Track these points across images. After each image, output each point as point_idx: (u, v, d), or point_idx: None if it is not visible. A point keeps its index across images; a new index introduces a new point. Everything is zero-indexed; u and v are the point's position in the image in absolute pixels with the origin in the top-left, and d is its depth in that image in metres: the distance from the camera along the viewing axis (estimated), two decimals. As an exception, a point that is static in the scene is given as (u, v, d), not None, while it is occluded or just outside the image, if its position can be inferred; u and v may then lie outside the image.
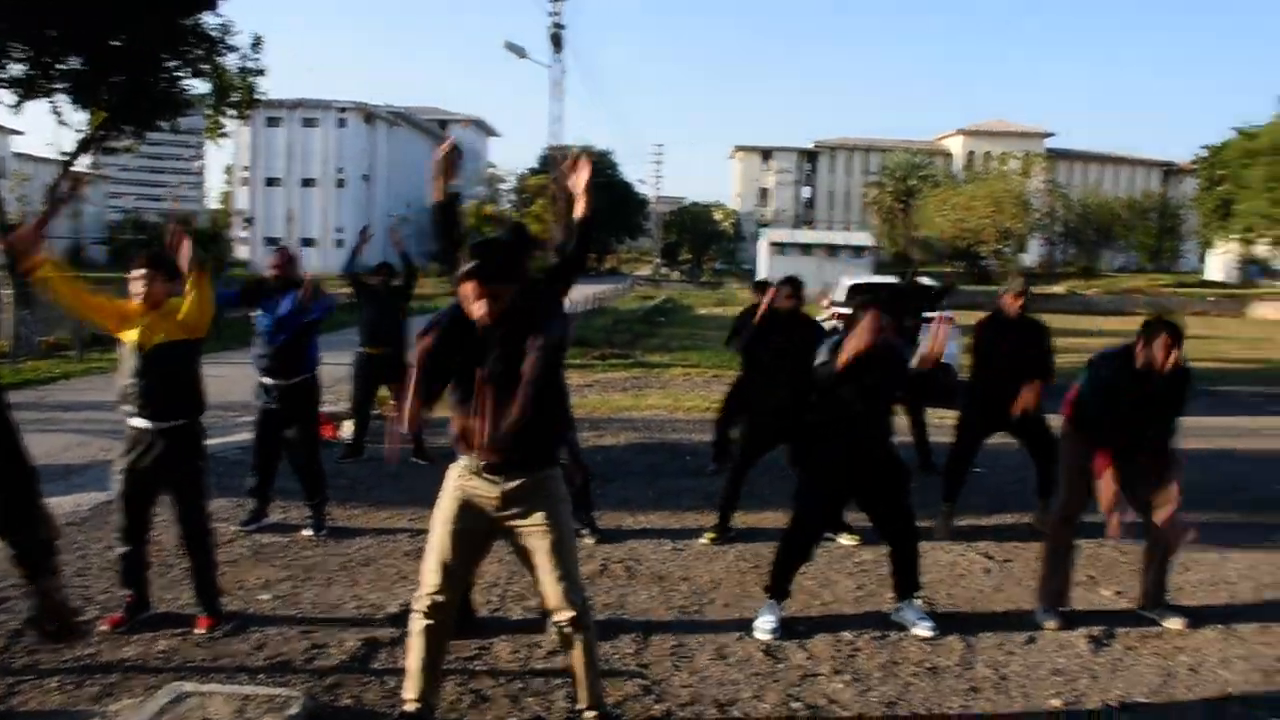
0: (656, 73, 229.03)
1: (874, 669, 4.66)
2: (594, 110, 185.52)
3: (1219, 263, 66.05)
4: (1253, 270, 62.28)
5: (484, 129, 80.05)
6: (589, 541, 6.41)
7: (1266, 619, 5.46)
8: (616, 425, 11.06)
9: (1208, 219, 43.77)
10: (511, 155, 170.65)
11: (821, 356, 5.00)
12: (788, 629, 5.05)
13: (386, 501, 7.45)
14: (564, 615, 3.67)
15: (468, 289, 3.48)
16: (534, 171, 67.67)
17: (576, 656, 3.79)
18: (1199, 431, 11.35)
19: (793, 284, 6.77)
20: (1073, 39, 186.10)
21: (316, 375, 6.79)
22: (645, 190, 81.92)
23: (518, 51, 23.42)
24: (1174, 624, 5.27)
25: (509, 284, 3.49)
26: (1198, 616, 5.39)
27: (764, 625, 5.02)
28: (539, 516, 3.65)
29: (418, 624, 3.72)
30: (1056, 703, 4.36)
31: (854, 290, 13.81)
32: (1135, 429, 5.15)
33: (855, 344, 4.80)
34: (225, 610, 5.03)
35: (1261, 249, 38.93)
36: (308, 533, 6.56)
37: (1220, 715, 4.31)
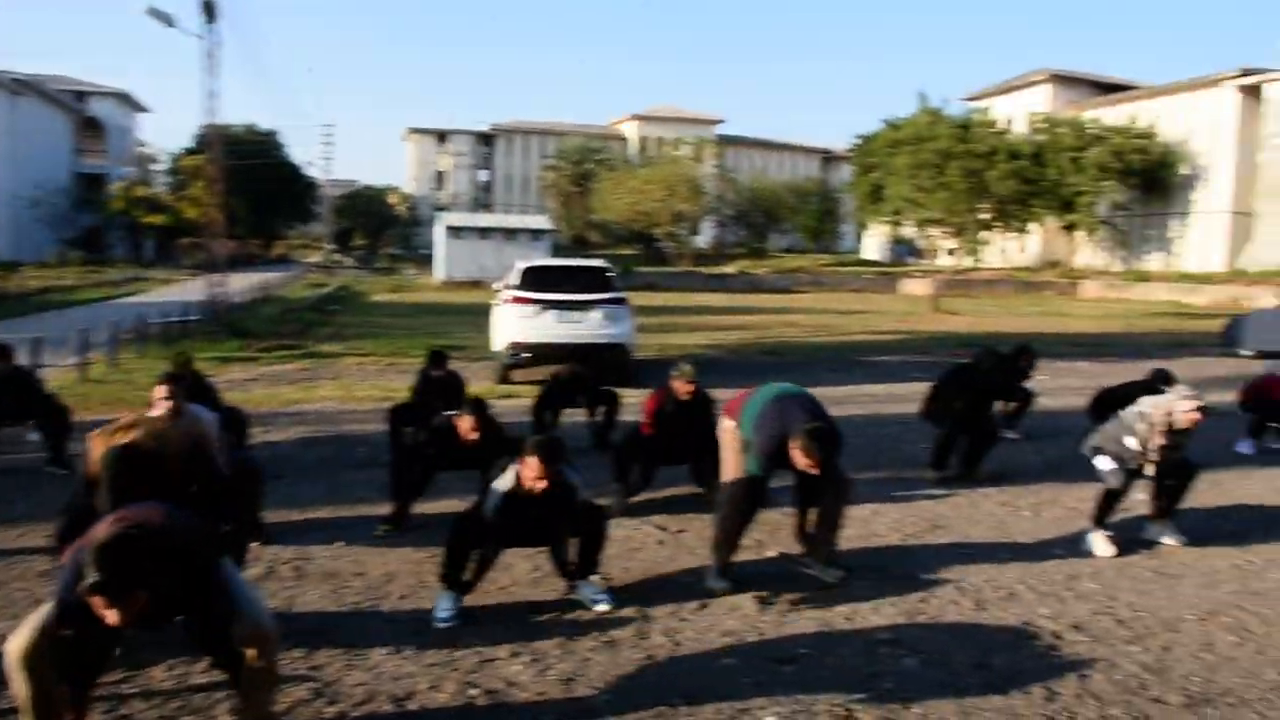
0: (325, 50, 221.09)
1: (552, 648, 4.66)
2: (256, 87, 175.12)
3: (873, 243, 72.06)
4: (901, 250, 68.41)
5: (130, 103, 73.42)
6: (254, 545, 6.02)
7: (910, 566, 5.97)
8: (285, 420, 10.50)
9: (862, 203, 47.35)
10: (165, 133, 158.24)
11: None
12: (466, 616, 4.95)
13: (18, 517, 6.67)
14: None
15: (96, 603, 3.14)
16: (190, 151, 62.75)
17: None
18: (855, 399, 12.34)
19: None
20: (741, 29, 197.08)
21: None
22: (315, 173, 78.25)
23: (163, 19, 21.56)
24: (832, 578, 5.64)
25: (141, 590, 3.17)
26: (852, 569, 5.80)
27: (441, 614, 4.91)
28: None
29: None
30: (727, 662, 4.54)
31: (528, 272, 13.84)
32: None
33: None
34: None
35: (908, 230, 42.74)
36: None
37: (872, 657, 4.65)
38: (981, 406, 8.56)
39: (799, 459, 5.31)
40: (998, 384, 9.01)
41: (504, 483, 5.01)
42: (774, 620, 5.08)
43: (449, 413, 6.61)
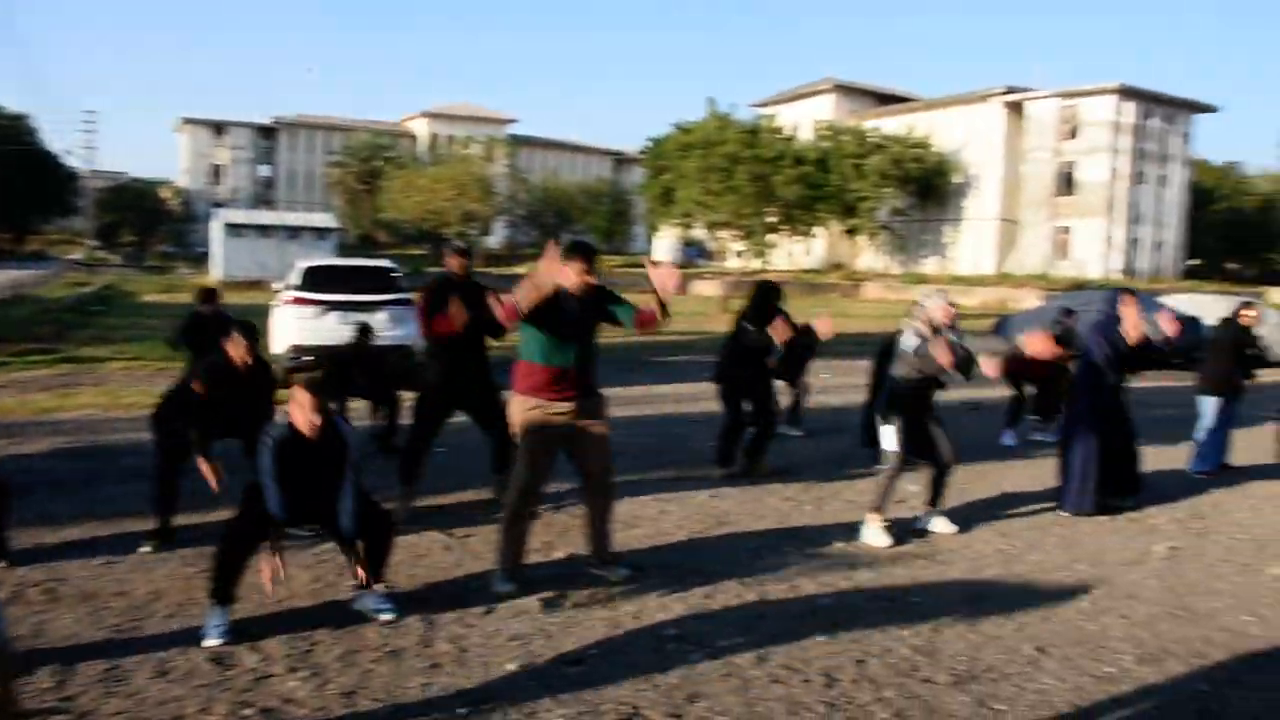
0: (91, 31, 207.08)
1: (332, 661, 4.48)
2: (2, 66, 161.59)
3: (664, 245, 73.31)
4: (691, 252, 69.91)
5: None
6: (-1, 565, 5.54)
7: (698, 563, 6.06)
8: (38, 430, 9.70)
9: (653, 205, 48.01)
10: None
11: None
12: (239, 632, 4.69)
13: None
14: None
15: None
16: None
17: None
18: (645, 399, 12.50)
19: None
20: (534, 29, 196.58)
21: None
22: (75, 163, 72.98)
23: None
24: (620, 576, 5.67)
25: None
26: (640, 567, 5.85)
27: (211, 632, 4.63)
28: None
29: None
30: (513, 667, 4.48)
31: (309, 272, 13.35)
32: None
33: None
34: None
35: (698, 232, 43.71)
36: None
37: (659, 654, 4.68)
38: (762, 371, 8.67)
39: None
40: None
41: (276, 430, 4.82)
42: (561, 622, 5.05)
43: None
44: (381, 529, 5.09)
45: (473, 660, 4.56)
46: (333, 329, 12.09)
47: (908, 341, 6.82)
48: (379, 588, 5.12)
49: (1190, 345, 15.69)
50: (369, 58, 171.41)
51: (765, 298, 8.65)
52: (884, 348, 7.26)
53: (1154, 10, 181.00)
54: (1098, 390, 7.70)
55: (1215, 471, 9.22)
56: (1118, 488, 7.72)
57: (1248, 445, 10.29)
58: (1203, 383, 9.46)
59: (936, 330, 6.78)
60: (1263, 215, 68.40)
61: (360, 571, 4.93)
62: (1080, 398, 7.84)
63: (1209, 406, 9.30)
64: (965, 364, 6.69)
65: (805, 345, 9.76)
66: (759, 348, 8.41)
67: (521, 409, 5.45)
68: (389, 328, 12.51)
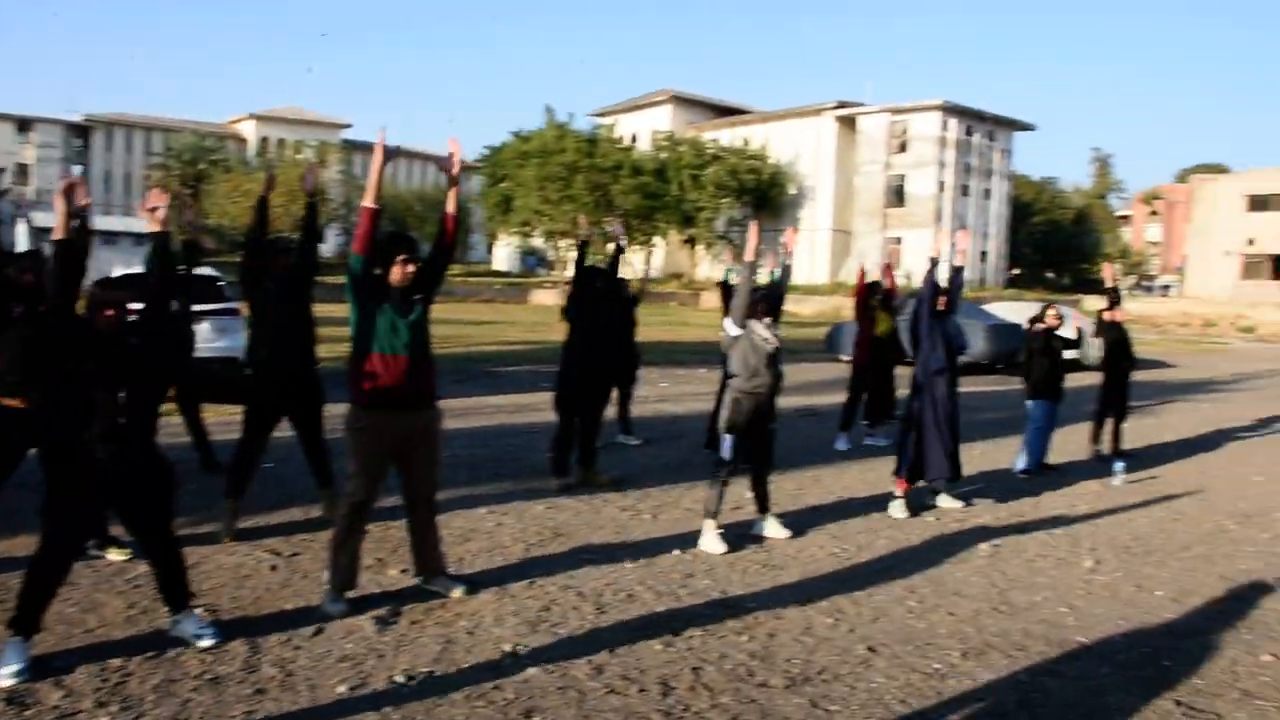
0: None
1: (148, 692, 4.22)
2: None
3: (504, 254, 72.83)
4: (531, 261, 69.65)
5: None
6: None
7: (534, 575, 5.99)
8: None
9: (491, 213, 47.77)
10: None
11: None
12: (41, 667, 4.36)
13: None
14: None
15: None
16: None
17: None
18: (481, 410, 12.34)
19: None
20: (365, 31, 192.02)
21: None
22: None
23: None
24: (455, 592, 5.56)
25: None
26: (475, 582, 5.75)
27: (8, 669, 4.28)
28: None
29: None
30: (343, 689, 4.33)
31: (120, 281, 12.65)
32: None
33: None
34: None
35: (538, 241, 43.62)
36: None
37: (494, 670, 4.60)
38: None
39: None
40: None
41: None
42: (394, 640, 4.91)
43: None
44: (169, 547, 4.82)
45: (300, 684, 4.38)
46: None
47: (728, 328, 7.01)
48: (198, 613, 4.87)
49: (1013, 351, 16.56)
50: (194, 56, 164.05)
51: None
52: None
53: (979, 32, 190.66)
54: (932, 387, 7.99)
55: (1035, 471, 9.71)
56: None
57: (1064, 445, 10.88)
58: (1028, 387, 9.93)
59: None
60: (1076, 228, 73.11)
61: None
62: (918, 394, 8.12)
63: (1036, 409, 9.78)
64: (775, 300, 7.33)
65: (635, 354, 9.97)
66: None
67: (354, 416, 5.28)
68: (214, 338, 12.00)
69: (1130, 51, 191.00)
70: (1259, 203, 54.59)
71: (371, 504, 5.47)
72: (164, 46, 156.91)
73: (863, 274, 11.88)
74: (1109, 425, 11.06)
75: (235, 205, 51.53)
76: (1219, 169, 74.86)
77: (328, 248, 66.44)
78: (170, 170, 66.51)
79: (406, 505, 5.60)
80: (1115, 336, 11.18)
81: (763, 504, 7.19)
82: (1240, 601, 6.06)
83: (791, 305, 46.32)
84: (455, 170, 5.41)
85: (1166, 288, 72.73)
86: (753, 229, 7.07)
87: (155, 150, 72.56)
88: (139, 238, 39.70)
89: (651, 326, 31.21)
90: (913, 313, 8.37)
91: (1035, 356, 9.87)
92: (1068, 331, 11.33)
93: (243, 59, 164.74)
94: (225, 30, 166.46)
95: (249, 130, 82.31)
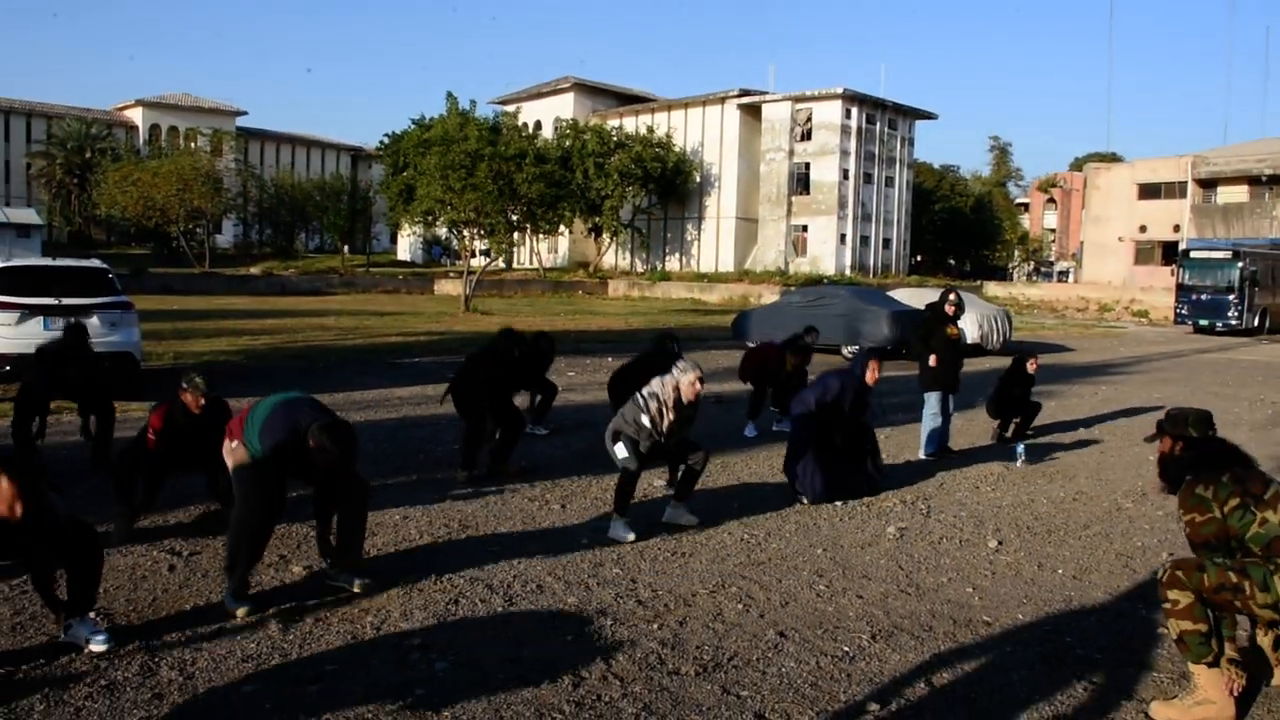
0: None
1: (37, 702, 4.06)
2: None
3: (407, 244, 71.73)
4: (436, 250, 68.68)
5: None
6: None
7: (442, 569, 5.92)
8: None
9: (394, 202, 46.91)
10: None
11: None
12: (-77, 678, 4.19)
13: None
14: None
15: None
16: None
17: None
18: (386, 402, 12.12)
19: None
20: (257, 19, 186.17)
21: None
22: None
23: None
24: (359, 587, 5.46)
25: None
26: (382, 577, 5.65)
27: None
28: None
29: None
30: (247, 690, 4.22)
31: (5, 274, 12.15)
32: None
33: None
34: None
35: (441, 231, 43.00)
36: None
37: (403, 665, 4.54)
38: (507, 391, 8.74)
39: (317, 457, 5.08)
40: (520, 370, 9.24)
41: None
42: (298, 638, 4.81)
43: None
44: (89, 550, 4.65)
45: (201, 686, 4.25)
46: (37, 335, 11.05)
47: (645, 409, 6.73)
48: (91, 616, 4.70)
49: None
50: (76, 38, 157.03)
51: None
52: (623, 374, 7.16)
53: (881, 26, 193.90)
54: (822, 403, 8.07)
55: (937, 454, 9.89)
56: (847, 489, 8.12)
57: (967, 429, 11.11)
58: (921, 375, 10.07)
59: (679, 404, 6.78)
60: (976, 215, 74.90)
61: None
62: (805, 400, 8.19)
63: (930, 399, 9.93)
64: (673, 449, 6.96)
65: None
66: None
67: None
68: (104, 333, 11.58)
69: (1027, 41, 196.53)
70: (1150, 190, 56.47)
71: (269, 499, 5.34)
72: (45, 32, 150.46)
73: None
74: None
75: (125, 195, 49.63)
76: (1112, 158, 77.45)
77: (224, 239, 64.79)
78: (54, 159, 63.93)
79: (339, 502, 5.56)
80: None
81: (682, 493, 7.16)
82: (1136, 577, 6.27)
83: (698, 293, 46.70)
84: None
85: (1064, 273, 75.14)
86: None
87: (37, 138, 69.45)
88: (21, 229, 38.31)
89: (558, 316, 31.23)
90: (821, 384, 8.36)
91: (932, 343, 9.94)
92: (968, 328, 11.46)
93: (129, 43, 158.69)
94: (111, 13, 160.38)
95: (138, 117, 79.40)
